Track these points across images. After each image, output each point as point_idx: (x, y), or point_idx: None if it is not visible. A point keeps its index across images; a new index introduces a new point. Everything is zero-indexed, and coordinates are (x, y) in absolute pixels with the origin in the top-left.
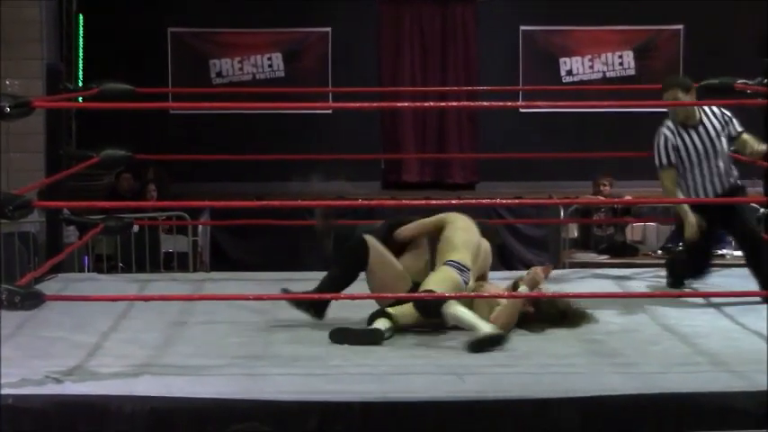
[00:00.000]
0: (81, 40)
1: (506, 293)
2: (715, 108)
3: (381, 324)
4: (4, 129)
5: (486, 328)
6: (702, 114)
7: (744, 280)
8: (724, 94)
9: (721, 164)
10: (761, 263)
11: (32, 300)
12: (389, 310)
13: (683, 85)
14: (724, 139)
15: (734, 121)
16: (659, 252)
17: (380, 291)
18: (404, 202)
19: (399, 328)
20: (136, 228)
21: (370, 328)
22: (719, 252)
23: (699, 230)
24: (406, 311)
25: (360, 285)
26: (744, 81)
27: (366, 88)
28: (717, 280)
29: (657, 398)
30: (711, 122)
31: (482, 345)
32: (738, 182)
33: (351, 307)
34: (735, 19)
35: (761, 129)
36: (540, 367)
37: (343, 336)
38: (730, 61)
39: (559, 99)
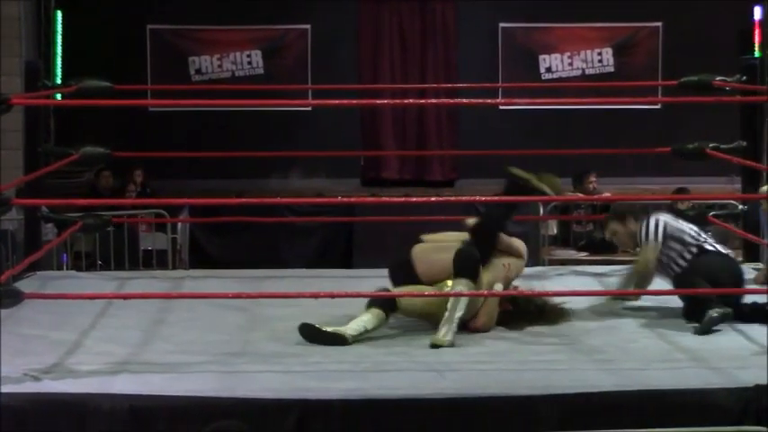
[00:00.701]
0: (59, 37)
1: (517, 291)
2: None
3: (366, 318)
4: None
5: (447, 336)
6: None
7: None
8: (702, 92)
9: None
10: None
11: (11, 298)
12: (399, 298)
13: (616, 217)
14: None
15: None
16: (638, 249)
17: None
18: (383, 199)
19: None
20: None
21: (336, 332)
22: None
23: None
24: (417, 303)
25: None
26: (722, 78)
27: (346, 85)
28: None
29: (637, 394)
30: None
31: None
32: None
33: None
34: (713, 16)
35: (738, 125)
36: (521, 364)
37: (310, 333)
38: (709, 58)
39: (539, 96)
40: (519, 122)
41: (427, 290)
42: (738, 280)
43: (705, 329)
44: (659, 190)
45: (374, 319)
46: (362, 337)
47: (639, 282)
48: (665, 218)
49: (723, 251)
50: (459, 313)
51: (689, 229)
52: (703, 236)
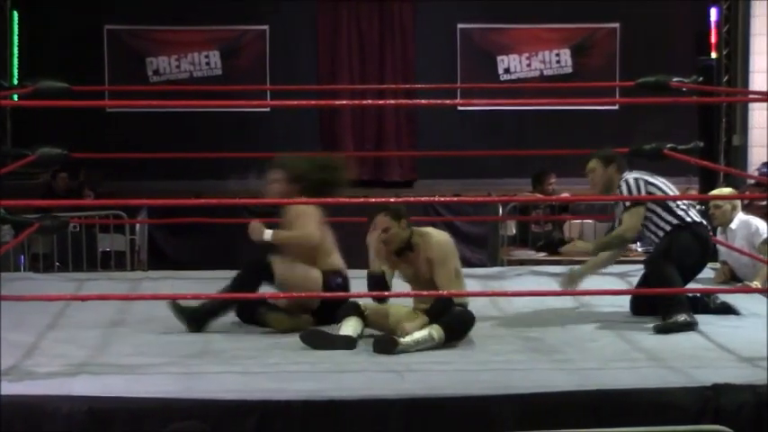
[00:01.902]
0: (16, 37)
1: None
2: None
3: (353, 324)
4: None
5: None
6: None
7: None
8: (659, 92)
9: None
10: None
11: None
12: (363, 305)
13: (603, 157)
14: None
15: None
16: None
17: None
18: (342, 200)
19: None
20: (73, 226)
21: (344, 335)
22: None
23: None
24: (380, 311)
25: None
26: (679, 79)
27: (304, 86)
28: None
29: (596, 394)
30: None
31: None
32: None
33: None
34: (670, 17)
35: (695, 125)
36: (479, 364)
37: (315, 339)
38: (666, 59)
39: (497, 97)
40: (478, 123)
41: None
42: (708, 256)
43: (666, 329)
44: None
45: (359, 325)
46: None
47: (617, 247)
48: (644, 178)
49: (698, 220)
50: (416, 348)
51: (668, 188)
52: (683, 205)
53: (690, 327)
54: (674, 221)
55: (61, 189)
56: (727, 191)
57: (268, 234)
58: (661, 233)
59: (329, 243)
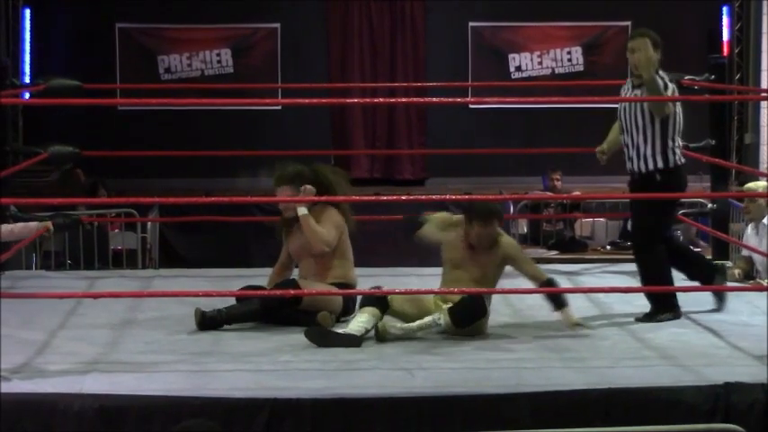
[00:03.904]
0: (27, 35)
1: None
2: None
3: (365, 318)
4: None
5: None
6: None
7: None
8: None
9: (641, 142)
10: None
11: None
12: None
13: (653, 39)
14: (649, 119)
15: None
16: (608, 247)
17: None
18: (353, 198)
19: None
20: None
21: (348, 333)
22: None
23: None
24: (407, 309)
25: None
26: (691, 77)
27: (315, 84)
28: None
29: (607, 392)
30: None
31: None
32: (658, 171)
33: None
34: (682, 15)
35: (707, 123)
36: (490, 363)
37: (319, 337)
38: (677, 57)
39: (508, 95)
40: (489, 121)
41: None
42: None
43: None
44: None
45: (372, 318)
46: (364, 338)
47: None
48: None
49: (683, 161)
50: (421, 332)
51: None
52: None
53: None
54: (670, 161)
55: (76, 185)
56: (762, 185)
57: (303, 210)
58: (651, 165)
59: (349, 256)
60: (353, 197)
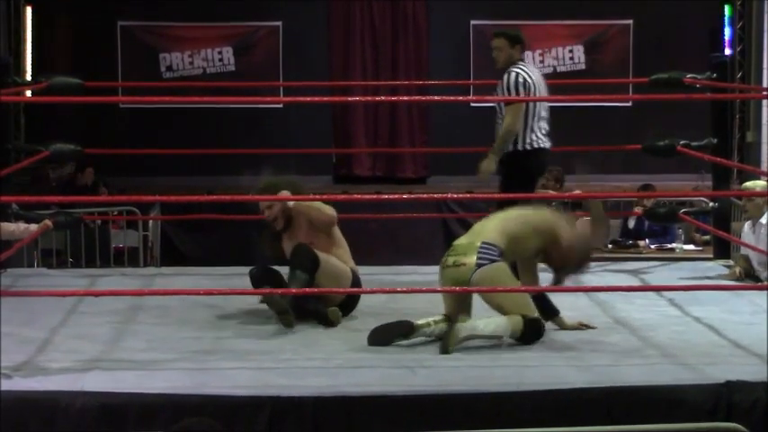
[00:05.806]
0: (29, 33)
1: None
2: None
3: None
4: None
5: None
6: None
7: (691, 272)
8: (673, 88)
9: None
10: None
11: None
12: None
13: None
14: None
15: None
16: (609, 246)
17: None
18: (355, 196)
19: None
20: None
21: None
22: (669, 246)
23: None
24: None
25: None
26: (692, 75)
27: (317, 82)
28: (665, 273)
29: (608, 391)
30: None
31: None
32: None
33: None
34: (684, 14)
35: (708, 122)
36: (492, 360)
37: (382, 336)
38: (679, 56)
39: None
40: (491, 120)
41: None
42: None
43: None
44: (629, 187)
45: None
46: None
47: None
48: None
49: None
50: (485, 332)
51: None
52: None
53: None
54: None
55: (82, 184)
56: (761, 184)
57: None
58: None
59: (345, 245)
60: (355, 195)
